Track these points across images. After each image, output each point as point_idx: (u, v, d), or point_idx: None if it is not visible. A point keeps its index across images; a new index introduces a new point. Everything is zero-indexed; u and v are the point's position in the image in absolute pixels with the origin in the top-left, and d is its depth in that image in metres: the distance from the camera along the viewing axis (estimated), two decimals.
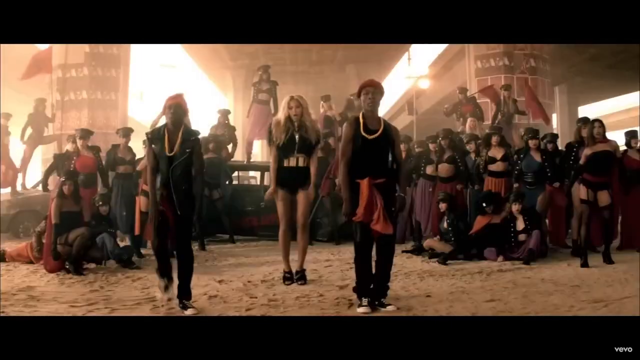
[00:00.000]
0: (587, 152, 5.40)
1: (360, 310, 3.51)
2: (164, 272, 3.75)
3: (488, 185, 6.46)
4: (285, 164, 4.50)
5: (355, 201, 3.55)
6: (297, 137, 4.43)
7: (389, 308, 3.55)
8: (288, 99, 4.49)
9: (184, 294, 3.65)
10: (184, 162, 3.65)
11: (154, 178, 3.73)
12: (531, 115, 9.57)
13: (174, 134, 3.69)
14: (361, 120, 3.65)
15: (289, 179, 4.51)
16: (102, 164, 6.79)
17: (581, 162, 5.45)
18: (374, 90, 3.65)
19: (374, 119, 3.68)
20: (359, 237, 3.60)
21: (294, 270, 4.60)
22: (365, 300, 3.55)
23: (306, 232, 4.65)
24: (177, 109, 3.71)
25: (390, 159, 3.65)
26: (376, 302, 3.58)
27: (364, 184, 3.52)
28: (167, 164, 3.65)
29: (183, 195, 3.64)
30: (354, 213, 3.54)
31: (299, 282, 4.52)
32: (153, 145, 3.72)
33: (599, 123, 5.47)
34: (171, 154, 3.65)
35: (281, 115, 4.51)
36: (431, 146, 7.09)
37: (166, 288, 3.72)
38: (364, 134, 3.59)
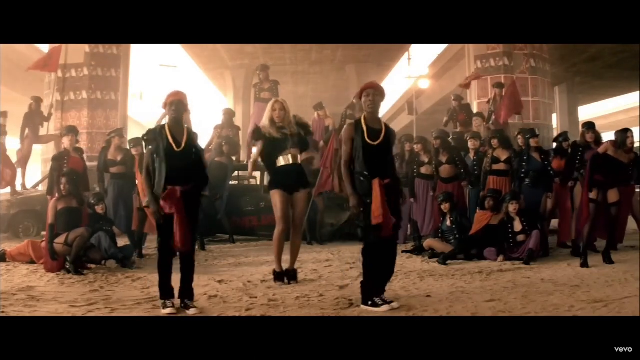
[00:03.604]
0: (609, 149, 5.38)
1: (385, 308, 3.50)
2: (164, 292, 3.65)
3: (490, 184, 6.48)
4: (279, 164, 4.51)
5: (362, 198, 3.56)
6: (283, 135, 4.47)
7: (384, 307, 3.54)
8: (272, 102, 4.58)
9: (186, 294, 3.64)
10: (192, 156, 3.69)
11: (149, 179, 3.71)
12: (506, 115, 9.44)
13: (177, 131, 3.71)
14: (363, 125, 3.67)
15: (287, 179, 4.51)
16: (86, 165, 6.77)
17: (600, 150, 5.43)
18: (374, 92, 3.69)
19: (375, 121, 3.72)
20: (367, 237, 3.58)
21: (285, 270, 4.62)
22: (380, 298, 3.57)
23: (300, 233, 4.70)
24: (178, 105, 3.72)
25: (392, 160, 3.76)
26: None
27: (375, 184, 3.53)
28: (176, 159, 3.64)
29: (192, 188, 3.66)
30: (365, 211, 3.53)
31: (291, 282, 4.52)
32: (150, 146, 3.72)
33: (631, 133, 5.48)
34: (180, 149, 3.66)
35: (265, 118, 4.56)
36: (416, 147, 7.09)
37: (164, 306, 3.61)
38: (368, 140, 3.62)
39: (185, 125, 3.75)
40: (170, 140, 3.67)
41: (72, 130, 6.73)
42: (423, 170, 6.99)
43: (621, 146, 5.40)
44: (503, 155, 6.50)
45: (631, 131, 5.54)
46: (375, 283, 3.63)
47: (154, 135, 3.72)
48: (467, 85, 10.45)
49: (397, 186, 3.74)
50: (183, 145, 3.67)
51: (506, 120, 8.91)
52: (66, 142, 6.57)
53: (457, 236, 6.00)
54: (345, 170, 3.68)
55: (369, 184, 3.55)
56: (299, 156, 4.56)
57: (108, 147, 6.83)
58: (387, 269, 3.69)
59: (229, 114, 8.94)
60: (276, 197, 4.50)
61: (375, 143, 3.62)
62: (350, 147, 3.67)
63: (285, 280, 4.55)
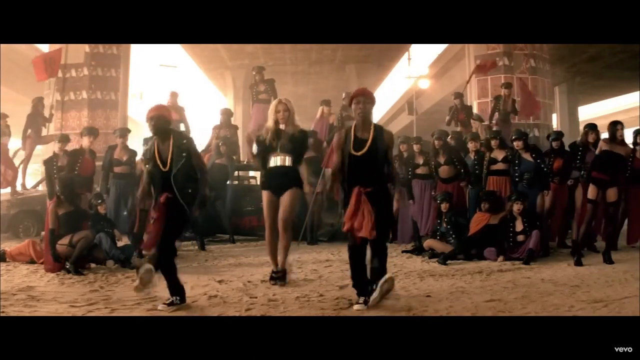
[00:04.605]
0: (603, 145, 5.46)
1: (356, 308, 3.59)
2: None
3: (490, 185, 6.49)
4: (270, 164, 4.46)
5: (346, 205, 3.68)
6: (283, 137, 4.41)
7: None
8: (276, 103, 4.50)
9: (171, 291, 3.64)
10: (182, 169, 3.63)
11: (143, 198, 3.80)
12: (527, 112, 9.51)
13: (163, 146, 3.68)
14: (352, 134, 3.71)
15: (275, 180, 4.47)
16: (95, 168, 6.77)
17: (598, 151, 5.55)
18: (364, 100, 3.71)
19: (365, 128, 3.72)
20: (349, 241, 3.72)
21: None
22: (361, 299, 3.63)
23: (288, 232, 4.55)
24: (157, 120, 3.69)
25: (381, 166, 3.72)
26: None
27: (353, 192, 3.62)
28: (165, 178, 3.64)
29: (190, 198, 3.67)
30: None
31: (279, 283, 4.45)
32: (147, 165, 3.75)
33: (621, 125, 5.58)
34: (166, 169, 3.64)
35: (270, 119, 4.49)
36: (415, 147, 7.09)
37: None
38: (352, 151, 3.67)
39: (171, 137, 3.67)
40: (158, 161, 3.67)
41: (93, 132, 6.77)
42: (419, 171, 7.01)
43: (613, 139, 5.44)
44: (500, 155, 6.51)
45: (621, 123, 5.61)
46: (356, 284, 3.72)
47: (150, 154, 3.73)
48: (485, 68, 10.11)
49: (382, 194, 3.68)
50: (168, 165, 3.64)
51: (535, 114, 9.11)
52: (85, 141, 6.62)
53: (454, 236, 6.01)
54: (336, 177, 3.80)
55: (349, 192, 3.65)
56: (291, 160, 4.44)
57: (116, 146, 6.88)
58: (372, 271, 3.68)
59: (227, 114, 8.93)
60: (263, 199, 4.56)
61: (359, 154, 3.66)
62: (339, 156, 3.76)
63: (275, 280, 4.50)
